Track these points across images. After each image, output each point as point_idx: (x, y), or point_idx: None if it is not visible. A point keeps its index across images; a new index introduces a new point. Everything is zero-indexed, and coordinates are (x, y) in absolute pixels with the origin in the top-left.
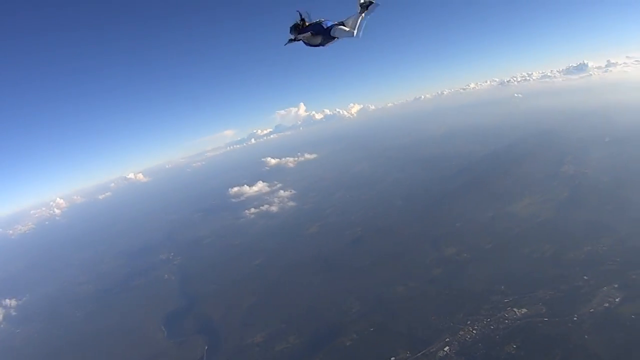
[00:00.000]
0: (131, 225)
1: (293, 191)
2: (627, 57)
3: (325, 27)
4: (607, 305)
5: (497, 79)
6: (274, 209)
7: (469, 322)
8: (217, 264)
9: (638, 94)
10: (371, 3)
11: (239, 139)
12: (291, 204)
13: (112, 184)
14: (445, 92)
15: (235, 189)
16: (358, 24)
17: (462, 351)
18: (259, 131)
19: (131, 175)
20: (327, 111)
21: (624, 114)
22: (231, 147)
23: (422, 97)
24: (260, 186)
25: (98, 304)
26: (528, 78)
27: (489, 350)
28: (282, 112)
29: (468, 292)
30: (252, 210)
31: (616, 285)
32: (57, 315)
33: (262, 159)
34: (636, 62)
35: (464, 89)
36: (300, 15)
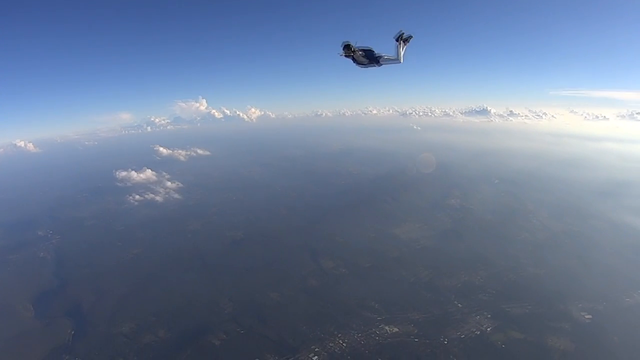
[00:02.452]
0: (13, 196)
1: (180, 184)
2: (528, 110)
3: (375, 54)
4: (477, 332)
5: (398, 109)
6: (158, 199)
7: (339, 335)
8: (95, 248)
9: (533, 144)
10: (410, 37)
11: (134, 123)
12: (176, 196)
13: (0, 150)
14: (346, 113)
15: (123, 173)
16: (402, 53)
17: None
18: (156, 119)
19: (21, 143)
20: (227, 111)
21: (516, 160)
22: (126, 131)
23: (323, 113)
24: (148, 174)
25: None
26: (430, 113)
27: None
28: (183, 104)
29: (341, 305)
30: (137, 197)
31: (488, 315)
32: None
33: (155, 148)
34: (536, 116)
35: (364, 113)
36: (348, 46)
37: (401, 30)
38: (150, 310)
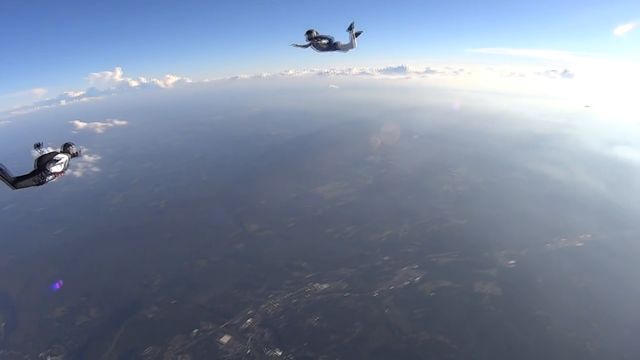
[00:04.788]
0: None
1: (98, 157)
2: (446, 67)
3: (333, 41)
4: (407, 283)
5: (316, 69)
6: (77, 174)
7: (270, 296)
8: (17, 233)
9: (450, 100)
10: (352, 25)
11: (49, 99)
12: (95, 170)
13: None
14: (263, 75)
15: (39, 151)
16: (354, 39)
17: (265, 323)
18: (71, 93)
19: None
20: (143, 79)
21: (434, 115)
22: (40, 107)
23: (240, 77)
24: None
25: None
26: (347, 72)
27: (292, 323)
28: (97, 74)
29: (270, 267)
30: None
31: (416, 266)
32: None
33: (71, 122)
34: (454, 73)
35: (282, 74)
36: (310, 32)
37: (352, 22)
38: (79, 290)
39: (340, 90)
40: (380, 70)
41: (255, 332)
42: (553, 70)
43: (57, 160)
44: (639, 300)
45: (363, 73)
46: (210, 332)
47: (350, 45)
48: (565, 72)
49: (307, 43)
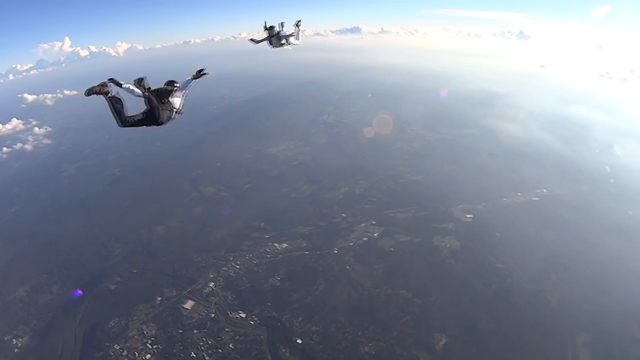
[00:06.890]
0: None
1: (49, 129)
2: (401, 27)
3: (284, 35)
4: (366, 239)
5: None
6: (28, 147)
7: (231, 259)
8: None
9: (405, 59)
10: (299, 21)
11: None
12: (47, 142)
13: None
14: (216, 38)
15: None
16: (299, 34)
17: (228, 286)
18: (19, 66)
19: None
20: (94, 48)
21: (389, 74)
22: None
23: (192, 41)
24: (14, 124)
25: None
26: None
27: (254, 284)
28: (46, 45)
29: (228, 229)
30: (5, 149)
31: (374, 222)
32: None
33: (19, 96)
34: (409, 34)
35: (235, 37)
36: (272, 29)
37: (299, 20)
38: (40, 268)
39: (294, 52)
40: (334, 32)
41: (218, 296)
42: (509, 32)
43: (177, 95)
44: (595, 252)
45: (317, 34)
46: (174, 299)
47: (297, 42)
48: (521, 34)
49: (264, 38)
